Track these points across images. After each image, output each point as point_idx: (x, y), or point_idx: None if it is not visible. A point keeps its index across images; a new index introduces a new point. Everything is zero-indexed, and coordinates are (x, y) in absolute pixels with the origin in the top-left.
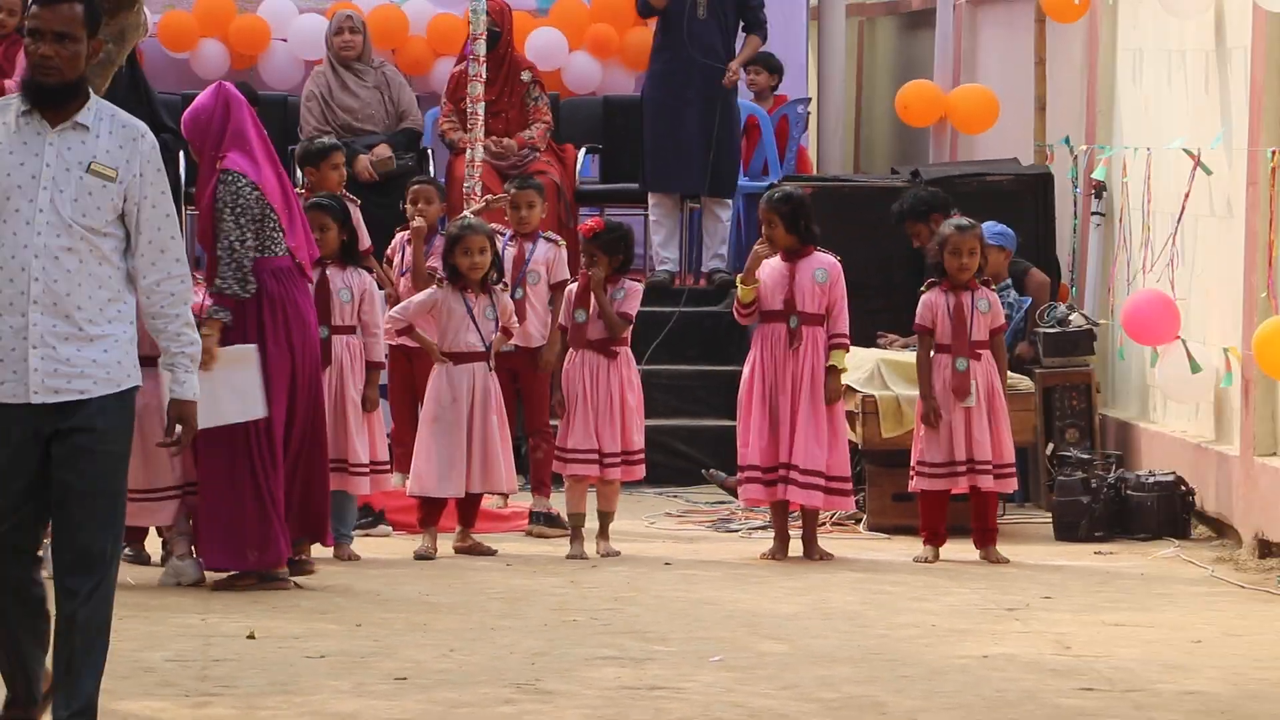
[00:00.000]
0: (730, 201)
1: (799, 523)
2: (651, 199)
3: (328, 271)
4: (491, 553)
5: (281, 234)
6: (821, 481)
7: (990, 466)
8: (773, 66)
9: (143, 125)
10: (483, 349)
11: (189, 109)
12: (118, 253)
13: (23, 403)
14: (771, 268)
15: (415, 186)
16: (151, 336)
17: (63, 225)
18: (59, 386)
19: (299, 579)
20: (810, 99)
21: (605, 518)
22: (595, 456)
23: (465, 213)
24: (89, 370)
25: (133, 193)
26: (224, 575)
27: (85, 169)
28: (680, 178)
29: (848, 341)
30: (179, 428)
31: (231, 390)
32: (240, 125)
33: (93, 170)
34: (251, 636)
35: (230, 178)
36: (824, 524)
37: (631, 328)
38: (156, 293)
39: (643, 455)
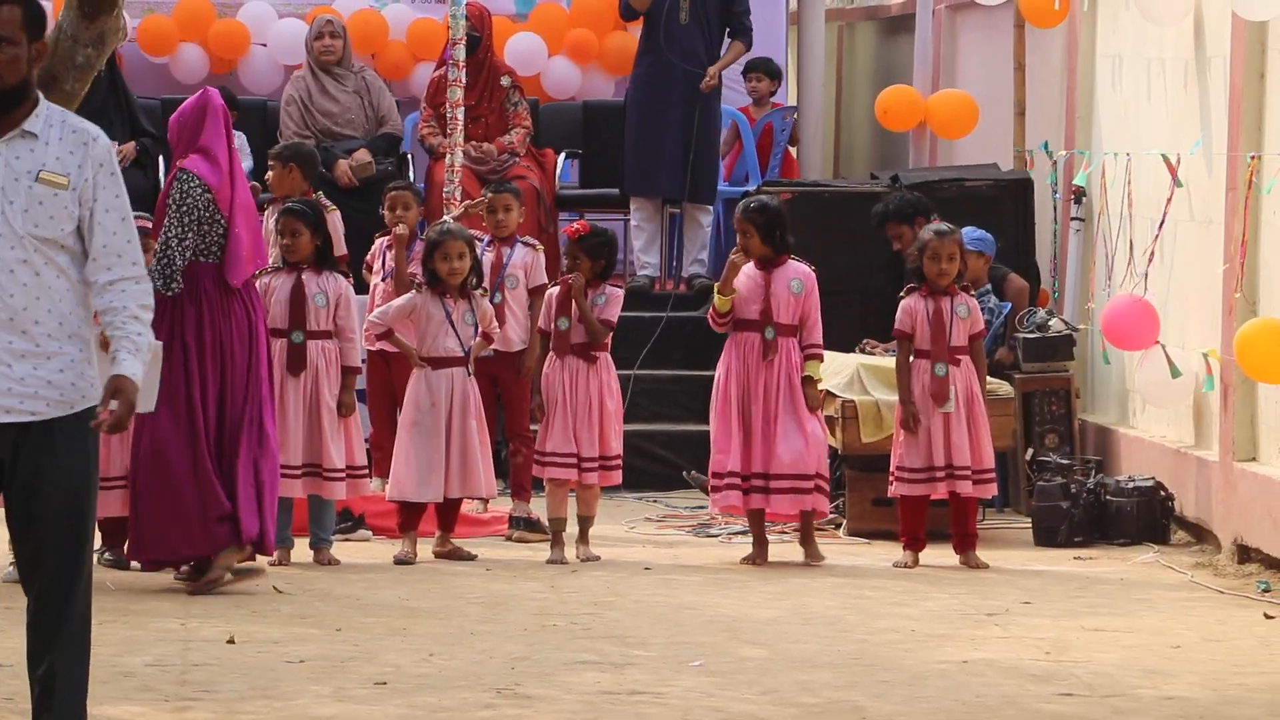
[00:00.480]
0: (711, 207)
1: (777, 529)
2: (633, 203)
3: (303, 276)
4: (471, 558)
5: (222, 239)
6: (807, 484)
7: (969, 472)
8: (773, 72)
9: (95, 129)
10: (462, 354)
11: (177, 111)
12: (75, 267)
13: None
14: (747, 277)
15: (393, 192)
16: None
17: (15, 237)
18: (10, 406)
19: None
20: (795, 107)
21: (585, 522)
22: (574, 460)
23: (445, 218)
24: (42, 391)
25: (85, 198)
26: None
27: (34, 178)
28: (660, 182)
29: (822, 352)
30: (114, 403)
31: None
32: (212, 133)
33: (41, 179)
34: (231, 641)
35: (185, 176)
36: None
37: (611, 334)
38: (109, 290)
39: (620, 461)
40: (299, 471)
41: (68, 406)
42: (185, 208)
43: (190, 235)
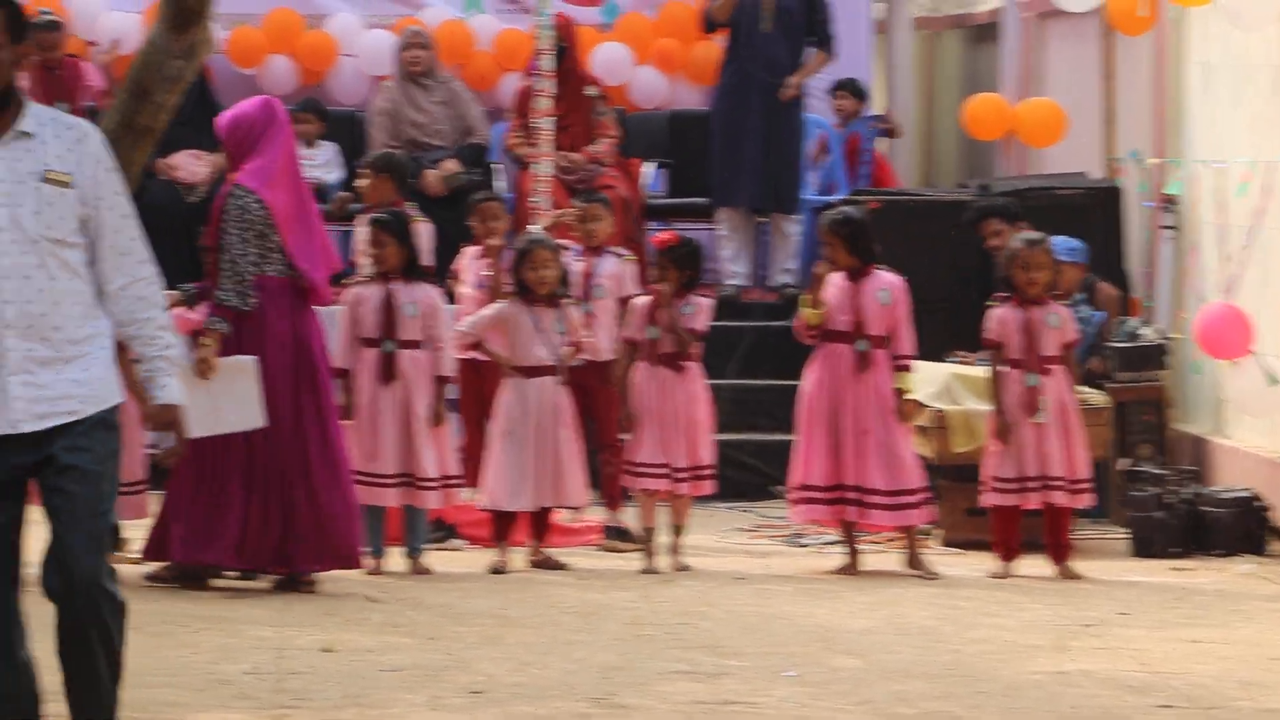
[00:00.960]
0: (798, 217)
1: (868, 538)
2: (720, 213)
3: (392, 286)
4: (562, 567)
5: (280, 254)
6: (911, 499)
7: (1063, 482)
8: (858, 92)
9: (87, 125)
10: (552, 363)
11: (231, 111)
12: (84, 264)
13: (4, 434)
14: (835, 288)
15: (481, 204)
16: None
17: (29, 242)
18: (45, 412)
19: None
20: (880, 115)
21: (677, 532)
22: (665, 470)
23: (533, 227)
24: (73, 391)
25: (88, 196)
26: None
27: (40, 178)
28: (744, 192)
29: (910, 364)
30: (171, 435)
31: (232, 399)
32: (274, 144)
33: (48, 179)
34: (327, 649)
35: (240, 192)
36: (896, 539)
37: (699, 343)
38: (124, 297)
39: (712, 470)
40: (393, 481)
41: (99, 403)
42: (245, 223)
43: (252, 249)
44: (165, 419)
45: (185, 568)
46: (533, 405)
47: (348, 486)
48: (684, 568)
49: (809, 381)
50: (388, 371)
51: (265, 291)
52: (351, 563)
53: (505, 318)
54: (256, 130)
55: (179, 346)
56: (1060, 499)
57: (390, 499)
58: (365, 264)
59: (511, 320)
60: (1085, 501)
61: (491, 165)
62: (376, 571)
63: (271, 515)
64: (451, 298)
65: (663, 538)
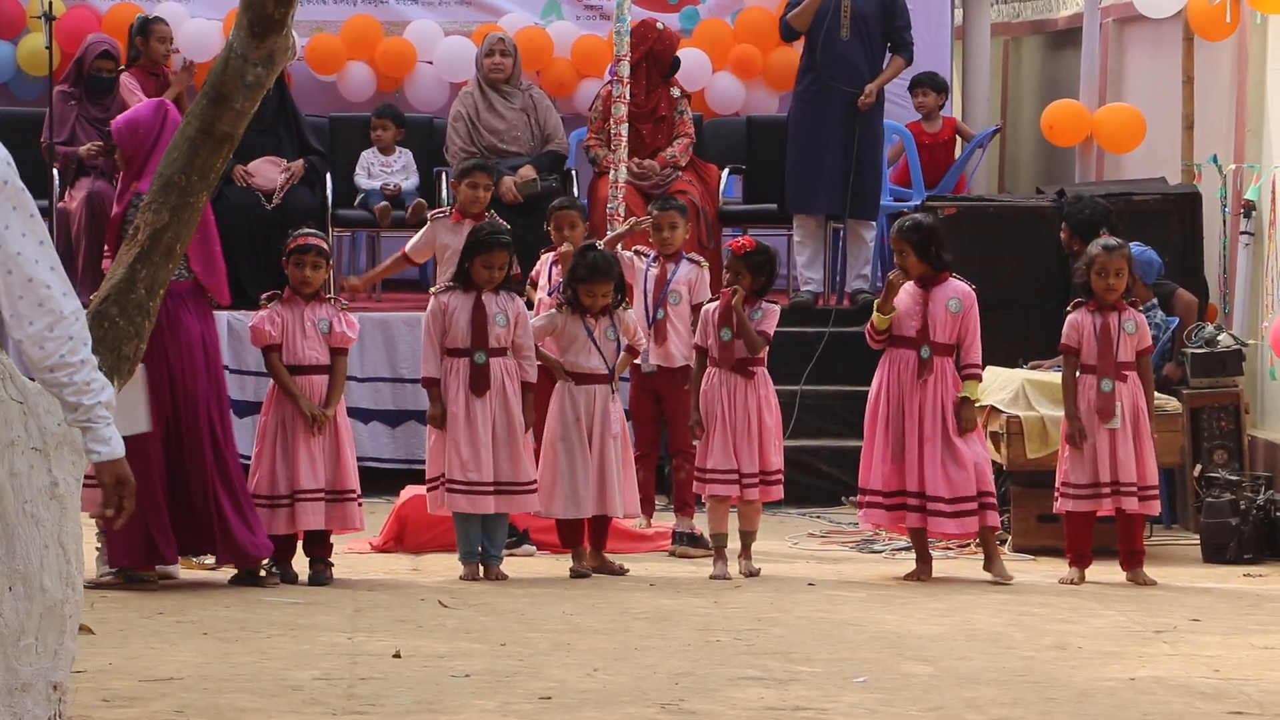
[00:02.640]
0: (874, 223)
1: (939, 545)
2: (795, 220)
3: (482, 297)
4: (622, 572)
5: (185, 258)
6: (970, 505)
7: (1135, 488)
8: (939, 86)
9: None
10: (605, 371)
11: (126, 114)
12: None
13: None
14: (906, 294)
15: (558, 211)
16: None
17: None
18: None
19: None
20: (999, 128)
21: (747, 537)
22: (735, 476)
23: (596, 240)
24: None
25: None
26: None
27: None
28: (820, 199)
29: (980, 372)
30: (120, 496)
31: (120, 406)
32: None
33: None
34: (398, 655)
35: (139, 201)
36: (969, 545)
37: (769, 348)
38: (50, 340)
39: (781, 476)
40: (490, 488)
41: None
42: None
43: None
44: (110, 477)
45: (129, 571)
46: (583, 412)
47: (242, 484)
48: (753, 572)
49: (873, 385)
50: (480, 381)
51: (174, 296)
52: (247, 560)
53: (557, 325)
54: (153, 135)
55: (110, 389)
56: (1131, 505)
57: (489, 506)
58: (448, 272)
59: (564, 330)
60: (1154, 509)
61: (569, 172)
62: (472, 577)
63: (195, 511)
64: (530, 305)
65: (733, 543)
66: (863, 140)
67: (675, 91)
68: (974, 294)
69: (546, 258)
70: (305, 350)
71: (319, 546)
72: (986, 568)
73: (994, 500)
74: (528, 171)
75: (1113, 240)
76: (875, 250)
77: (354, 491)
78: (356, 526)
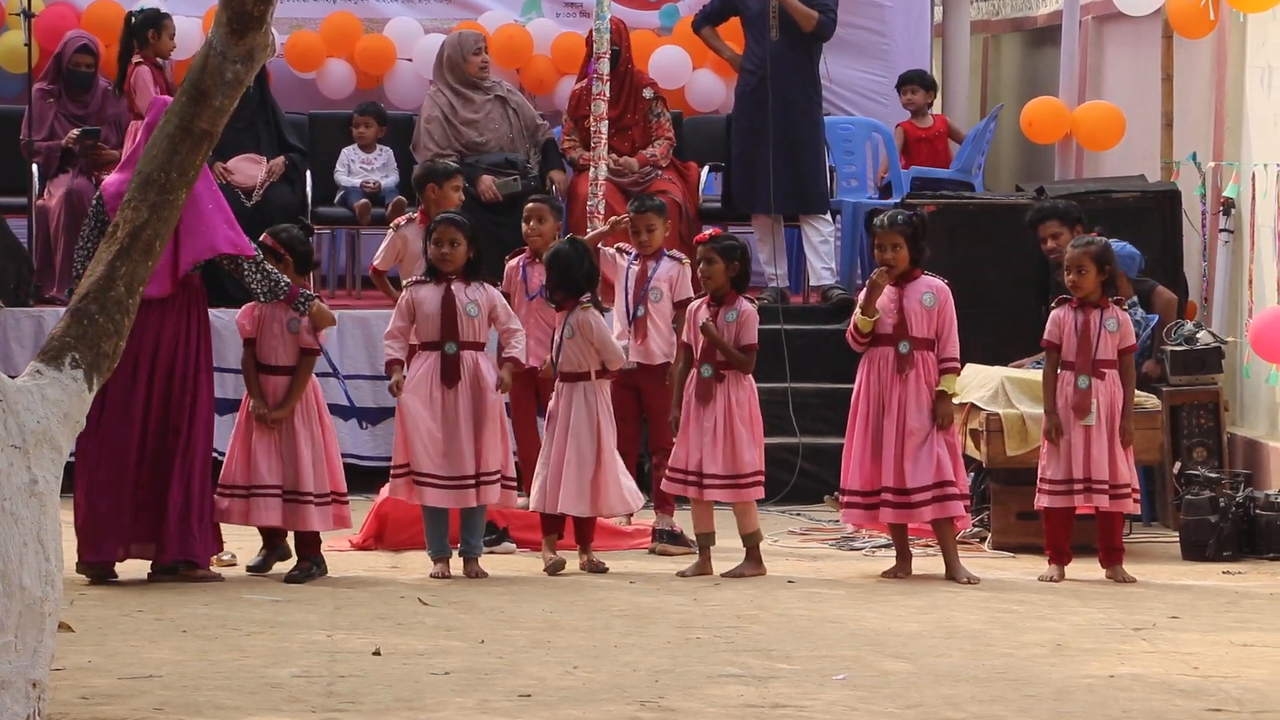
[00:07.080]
0: (827, 217)
1: (921, 543)
2: (753, 220)
3: (453, 287)
4: (603, 569)
5: None
6: (945, 491)
7: (1106, 486)
8: (927, 84)
9: None
10: (581, 370)
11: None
12: None
13: None
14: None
15: (530, 205)
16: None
17: None
18: None
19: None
20: (993, 121)
21: (748, 539)
22: (694, 478)
23: (568, 237)
24: None
25: None
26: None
27: None
28: (761, 197)
29: (958, 366)
30: None
31: None
32: (137, 148)
33: None
34: (377, 653)
35: (98, 196)
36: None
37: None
38: None
39: (759, 478)
40: (458, 482)
41: None
42: (97, 224)
43: (91, 246)
44: None
45: (94, 566)
46: (567, 410)
47: (206, 484)
48: (755, 573)
49: (855, 386)
50: (450, 373)
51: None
52: (200, 559)
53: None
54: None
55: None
56: (1103, 503)
57: (459, 500)
58: (420, 266)
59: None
60: (1129, 507)
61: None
62: (443, 575)
63: (166, 504)
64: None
65: (723, 541)
66: (799, 136)
67: (648, 93)
68: (948, 288)
69: (514, 262)
70: (272, 350)
71: (308, 545)
72: (949, 576)
73: (957, 492)
74: (488, 179)
75: (1084, 237)
76: (849, 245)
77: (311, 494)
78: (314, 526)
